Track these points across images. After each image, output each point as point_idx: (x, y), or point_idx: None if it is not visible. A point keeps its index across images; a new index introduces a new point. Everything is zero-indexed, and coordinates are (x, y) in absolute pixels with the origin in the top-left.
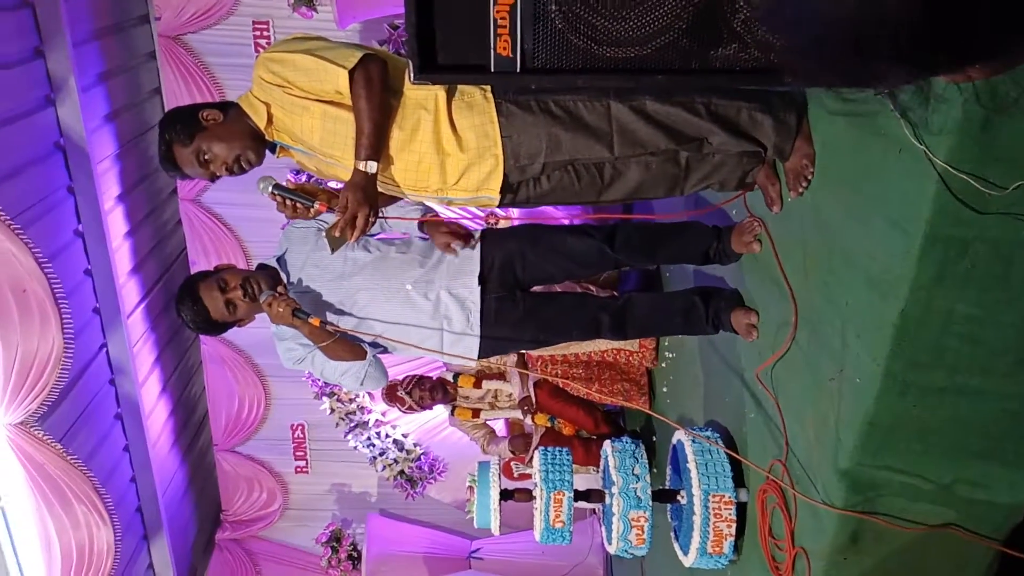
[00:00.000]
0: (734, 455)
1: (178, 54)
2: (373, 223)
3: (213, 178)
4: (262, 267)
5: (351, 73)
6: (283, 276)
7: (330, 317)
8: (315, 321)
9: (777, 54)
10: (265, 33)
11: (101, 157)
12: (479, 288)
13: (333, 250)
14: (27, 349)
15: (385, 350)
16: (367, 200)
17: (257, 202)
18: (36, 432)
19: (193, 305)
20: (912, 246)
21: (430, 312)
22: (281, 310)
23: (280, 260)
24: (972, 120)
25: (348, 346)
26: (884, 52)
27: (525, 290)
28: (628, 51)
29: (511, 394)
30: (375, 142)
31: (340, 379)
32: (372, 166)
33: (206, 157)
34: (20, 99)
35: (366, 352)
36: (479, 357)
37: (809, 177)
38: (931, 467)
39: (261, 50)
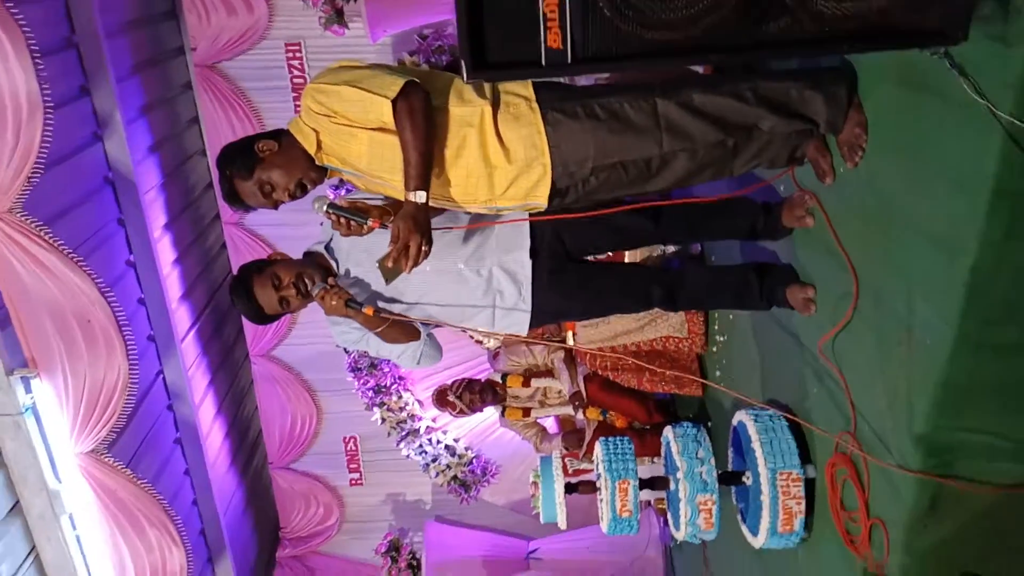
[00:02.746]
0: (804, 423)
1: (214, 82)
2: (427, 253)
3: (276, 206)
4: (309, 255)
5: (394, 103)
6: (332, 264)
7: (382, 302)
8: (369, 310)
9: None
10: (297, 55)
11: (147, 188)
12: (531, 261)
13: (388, 281)
14: (95, 378)
15: (438, 325)
16: (418, 229)
17: (298, 220)
18: (106, 459)
19: (248, 301)
20: (978, 203)
21: (483, 288)
22: (335, 303)
23: (328, 248)
24: None
25: (402, 328)
26: None
27: (575, 260)
28: (678, 33)
29: (560, 390)
30: (423, 171)
31: (398, 359)
32: (421, 195)
33: (268, 187)
34: (70, 137)
35: (420, 332)
36: (530, 328)
37: (864, 146)
38: (1009, 424)
39: (295, 71)
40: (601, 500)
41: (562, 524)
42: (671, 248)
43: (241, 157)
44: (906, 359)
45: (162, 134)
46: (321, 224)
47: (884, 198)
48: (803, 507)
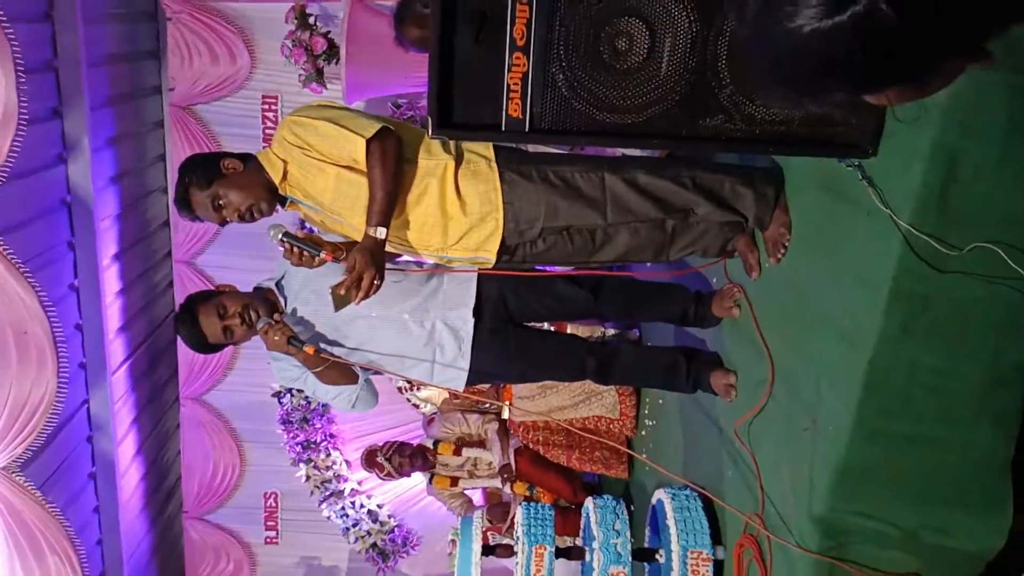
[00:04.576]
0: (718, 501)
1: (187, 122)
2: (378, 286)
3: (223, 223)
4: (259, 290)
5: (368, 143)
6: (280, 301)
7: (324, 344)
8: (310, 349)
9: (753, 81)
10: (273, 107)
11: (103, 216)
12: (473, 320)
13: (337, 308)
14: (20, 392)
15: (377, 372)
16: (374, 263)
17: (249, 267)
18: (17, 477)
19: (192, 327)
20: (879, 300)
21: (424, 340)
22: (277, 338)
23: (278, 285)
24: (931, 187)
25: (341, 371)
26: (828, 75)
27: (516, 324)
28: (625, 117)
29: (491, 462)
30: (386, 209)
31: (333, 401)
32: (382, 232)
33: (220, 203)
34: (35, 155)
35: (358, 376)
36: (465, 386)
37: (786, 244)
38: (899, 513)
39: (268, 122)
40: (517, 564)
41: None
42: (611, 331)
43: (204, 168)
44: (810, 443)
45: (127, 166)
46: (270, 275)
47: (801, 292)
48: None
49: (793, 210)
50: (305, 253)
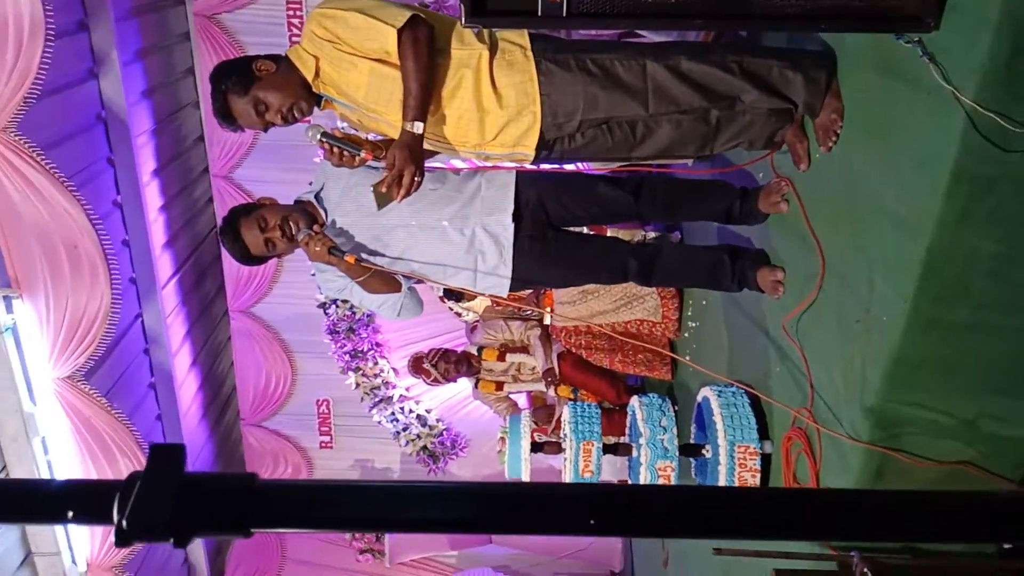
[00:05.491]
0: (764, 397)
1: (213, 33)
2: (419, 183)
3: (266, 128)
4: (299, 203)
5: (399, 33)
6: (321, 213)
7: (366, 253)
8: (351, 259)
9: None
10: (299, 12)
11: (139, 131)
12: (513, 225)
13: (380, 207)
14: (77, 304)
15: (420, 280)
16: (413, 159)
17: (287, 179)
18: (83, 386)
19: (235, 241)
20: (939, 183)
21: (465, 247)
22: (318, 248)
23: (317, 197)
24: (998, 59)
25: (384, 279)
26: None
27: (556, 229)
28: None
29: (534, 367)
30: (421, 103)
31: (378, 309)
32: (419, 126)
33: (262, 107)
34: (66, 70)
35: (401, 284)
36: (509, 291)
37: (838, 131)
38: (955, 402)
39: (294, 28)
40: (565, 459)
41: (526, 479)
42: (652, 233)
43: (238, 74)
44: (863, 334)
45: (157, 80)
46: (311, 184)
47: (854, 182)
48: (758, 481)
49: (845, 95)
50: (345, 153)
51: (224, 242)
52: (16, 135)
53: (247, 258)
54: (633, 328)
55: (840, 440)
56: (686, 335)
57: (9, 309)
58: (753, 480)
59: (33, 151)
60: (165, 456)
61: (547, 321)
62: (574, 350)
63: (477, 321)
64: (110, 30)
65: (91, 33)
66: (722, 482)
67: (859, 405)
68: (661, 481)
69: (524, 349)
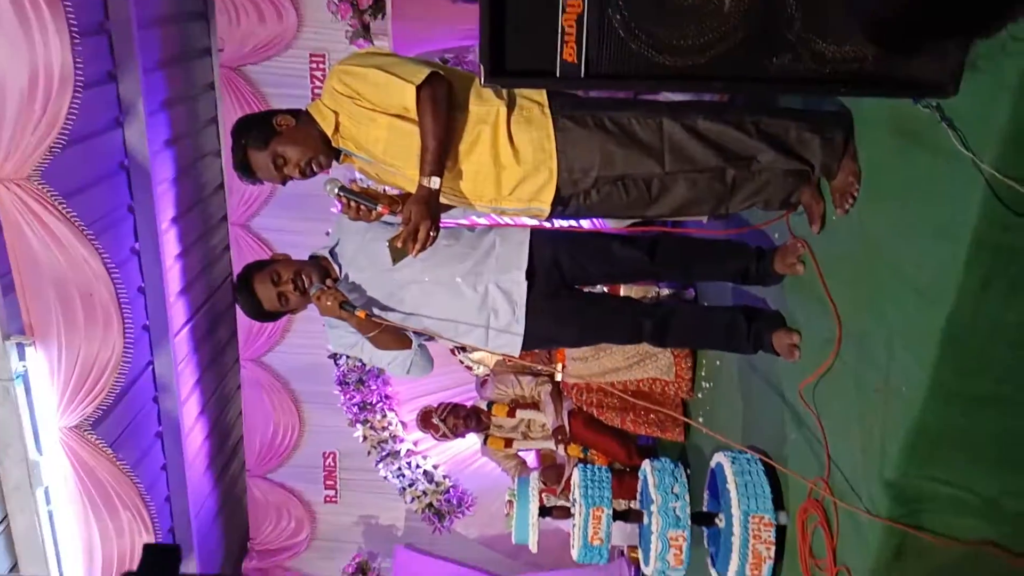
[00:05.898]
0: (780, 467)
1: (237, 84)
2: (435, 238)
3: (284, 181)
4: (314, 258)
5: (418, 90)
6: (335, 268)
7: (378, 309)
8: (361, 314)
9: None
10: (321, 65)
11: (161, 179)
12: (527, 283)
13: (395, 261)
14: (88, 352)
15: (431, 338)
16: (430, 214)
17: (304, 229)
18: (89, 436)
19: (249, 296)
20: (959, 252)
21: (477, 304)
22: (329, 303)
23: (332, 252)
24: (1017, 125)
25: (395, 336)
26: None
27: (570, 287)
28: (686, 59)
29: (544, 424)
30: (439, 158)
31: (388, 366)
32: (436, 182)
33: (280, 160)
34: (92, 119)
35: (412, 341)
36: (522, 350)
37: (855, 194)
38: (978, 478)
39: (316, 81)
40: (574, 526)
41: (532, 547)
42: (665, 291)
43: (258, 128)
44: (882, 405)
45: (181, 129)
46: (327, 234)
47: (872, 246)
48: (772, 553)
49: (862, 158)
50: (362, 207)
51: (238, 298)
52: (40, 184)
53: (260, 314)
54: (646, 386)
55: (858, 514)
56: (699, 395)
57: (21, 356)
58: (768, 553)
59: (55, 199)
60: (160, 558)
61: (558, 377)
62: (585, 408)
63: (488, 375)
64: (138, 80)
65: (119, 83)
66: (735, 554)
67: (878, 478)
68: (672, 551)
69: (535, 405)
